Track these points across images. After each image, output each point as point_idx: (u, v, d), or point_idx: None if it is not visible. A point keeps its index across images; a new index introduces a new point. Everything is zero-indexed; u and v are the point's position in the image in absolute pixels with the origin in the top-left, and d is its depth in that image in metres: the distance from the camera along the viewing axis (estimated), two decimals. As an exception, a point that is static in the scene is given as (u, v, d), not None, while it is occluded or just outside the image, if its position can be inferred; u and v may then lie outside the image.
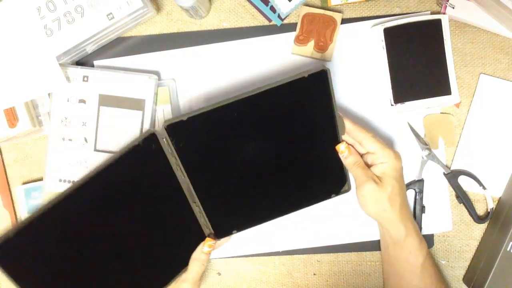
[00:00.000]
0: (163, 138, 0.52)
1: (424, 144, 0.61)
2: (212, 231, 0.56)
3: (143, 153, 0.52)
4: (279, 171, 0.55)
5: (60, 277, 0.51)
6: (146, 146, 0.52)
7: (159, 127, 0.51)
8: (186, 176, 0.53)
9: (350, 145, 0.55)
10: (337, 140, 0.55)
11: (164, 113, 0.60)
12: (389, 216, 0.54)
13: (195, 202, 0.55)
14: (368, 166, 0.55)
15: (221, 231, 0.57)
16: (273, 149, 0.54)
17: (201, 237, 0.56)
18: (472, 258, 0.62)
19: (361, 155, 0.56)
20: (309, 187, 0.57)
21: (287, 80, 0.50)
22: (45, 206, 0.49)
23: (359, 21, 0.61)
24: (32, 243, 0.49)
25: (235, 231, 0.57)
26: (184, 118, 0.49)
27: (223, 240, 0.58)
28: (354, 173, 0.55)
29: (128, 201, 0.53)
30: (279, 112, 0.52)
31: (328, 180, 0.57)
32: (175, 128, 0.49)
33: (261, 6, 0.61)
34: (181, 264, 0.56)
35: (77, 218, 0.51)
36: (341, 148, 0.54)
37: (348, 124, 0.54)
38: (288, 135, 0.54)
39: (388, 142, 0.61)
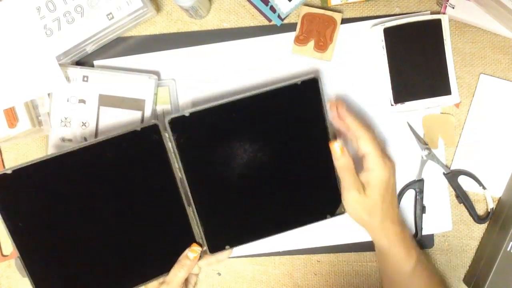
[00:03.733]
0: (165, 133, 0.53)
1: (424, 144, 0.61)
2: (205, 240, 0.56)
3: (142, 140, 0.53)
4: (274, 183, 0.56)
5: (38, 237, 0.53)
6: (147, 135, 0.53)
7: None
8: (184, 175, 0.53)
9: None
10: (329, 154, 0.55)
11: (164, 113, 0.60)
12: (369, 226, 0.55)
13: (190, 206, 0.55)
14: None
15: (214, 243, 0.56)
16: (269, 158, 0.55)
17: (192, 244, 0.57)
18: (472, 258, 0.62)
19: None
20: (304, 205, 0.57)
21: (281, 85, 0.54)
22: (32, 161, 0.50)
23: (359, 21, 0.61)
24: (20, 190, 0.51)
25: (227, 246, 0.57)
26: (187, 114, 0.52)
27: (221, 257, 0.57)
28: (341, 176, 0.54)
29: (119, 184, 0.54)
30: (274, 116, 0.55)
31: (323, 199, 0.58)
32: (177, 123, 0.53)
33: (261, 6, 0.61)
34: (167, 265, 0.56)
35: (65, 182, 0.52)
36: (334, 146, 0.53)
37: (349, 118, 0.54)
38: (283, 143, 0.55)
39: (388, 142, 0.61)
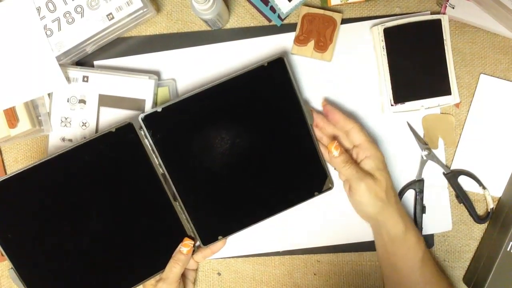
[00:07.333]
0: (140, 130, 0.54)
1: (424, 144, 0.61)
2: (196, 233, 0.56)
3: (118, 141, 0.53)
4: (257, 168, 0.56)
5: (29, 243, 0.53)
6: (123, 135, 0.53)
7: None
8: (165, 171, 0.54)
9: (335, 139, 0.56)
10: (307, 131, 0.56)
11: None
12: (388, 212, 0.54)
13: (176, 200, 0.55)
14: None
15: (206, 235, 0.57)
16: (248, 143, 0.55)
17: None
18: (472, 258, 0.62)
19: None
20: (290, 185, 0.57)
21: (249, 69, 0.54)
22: (13, 172, 0.51)
23: (359, 21, 0.61)
24: (5, 202, 0.52)
25: (220, 236, 0.57)
26: (159, 109, 0.53)
27: (215, 248, 0.58)
28: (346, 173, 0.54)
29: (103, 186, 0.54)
30: (246, 101, 0.55)
31: (308, 176, 0.58)
32: (151, 120, 0.53)
33: (261, 6, 0.61)
34: (161, 263, 0.56)
35: (50, 189, 0.53)
36: (333, 148, 0.54)
37: (336, 113, 0.56)
38: (258, 126, 0.55)
39: (388, 142, 0.61)
